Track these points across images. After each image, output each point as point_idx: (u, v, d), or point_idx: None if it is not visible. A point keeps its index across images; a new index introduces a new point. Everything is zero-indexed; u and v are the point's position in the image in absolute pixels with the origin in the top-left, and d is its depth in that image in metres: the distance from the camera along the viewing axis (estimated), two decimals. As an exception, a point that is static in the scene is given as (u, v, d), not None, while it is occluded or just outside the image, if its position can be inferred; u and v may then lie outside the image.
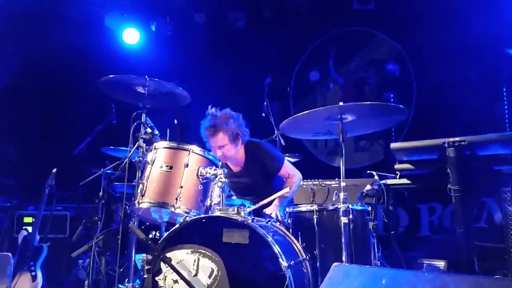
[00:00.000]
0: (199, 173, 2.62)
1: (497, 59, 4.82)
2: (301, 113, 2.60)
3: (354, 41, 5.76)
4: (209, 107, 3.06)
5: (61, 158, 4.82)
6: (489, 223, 4.39)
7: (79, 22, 5.66)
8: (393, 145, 2.94)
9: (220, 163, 2.79)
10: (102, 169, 4.26)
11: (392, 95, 5.34)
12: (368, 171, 3.76)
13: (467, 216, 2.80)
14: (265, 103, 4.47)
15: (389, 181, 3.80)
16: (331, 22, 5.75)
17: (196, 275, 2.32)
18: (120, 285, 2.82)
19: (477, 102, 4.70)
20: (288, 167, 3.19)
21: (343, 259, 2.41)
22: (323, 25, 5.74)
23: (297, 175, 3.20)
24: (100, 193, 3.95)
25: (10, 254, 2.12)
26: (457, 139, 2.64)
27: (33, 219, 4.31)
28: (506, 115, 4.72)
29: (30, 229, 4.29)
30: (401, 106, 2.66)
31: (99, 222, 3.64)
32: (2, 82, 5.42)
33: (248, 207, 2.81)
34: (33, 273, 4.09)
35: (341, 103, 2.53)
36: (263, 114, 4.42)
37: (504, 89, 4.76)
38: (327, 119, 2.67)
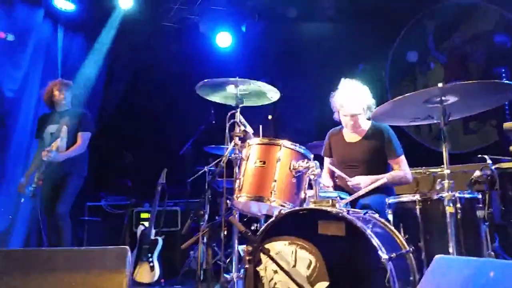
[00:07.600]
0: (291, 167, 2.64)
1: None
2: (396, 99, 2.44)
3: (454, 14, 5.25)
4: (342, 79, 3.31)
5: (170, 159, 5.26)
6: None
7: (178, 32, 6.09)
8: (507, 124, 2.63)
9: (312, 155, 2.78)
10: (205, 166, 4.56)
11: (503, 70, 4.75)
12: (479, 155, 3.43)
13: None
14: None
15: (504, 165, 3.41)
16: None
17: (294, 266, 2.35)
18: (226, 274, 2.99)
19: None
20: (403, 162, 3.21)
21: (450, 250, 2.24)
22: (418, 1, 5.35)
23: (407, 173, 3.20)
24: (206, 188, 4.23)
25: (127, 247, 2.38)
26: None
27: (149, 215, 4.77)
28: None
29: (146, 224, 4.77)
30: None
31: (205, 216, 3.89)
32: (115, 96, 6.08)
33: (343, 199, 2.77)
34: (151, 264, 4.54)
35: (440, 84, 2.33)
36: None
37: None
38: (426, 102, 2.48)
